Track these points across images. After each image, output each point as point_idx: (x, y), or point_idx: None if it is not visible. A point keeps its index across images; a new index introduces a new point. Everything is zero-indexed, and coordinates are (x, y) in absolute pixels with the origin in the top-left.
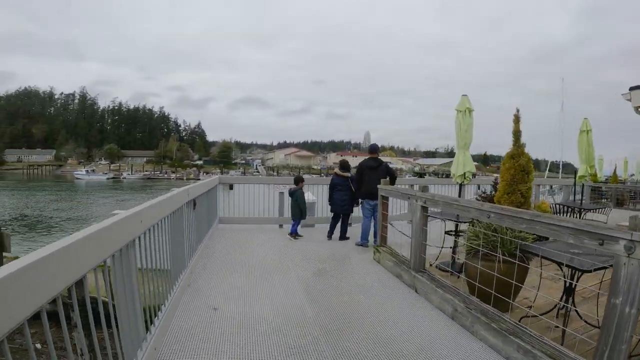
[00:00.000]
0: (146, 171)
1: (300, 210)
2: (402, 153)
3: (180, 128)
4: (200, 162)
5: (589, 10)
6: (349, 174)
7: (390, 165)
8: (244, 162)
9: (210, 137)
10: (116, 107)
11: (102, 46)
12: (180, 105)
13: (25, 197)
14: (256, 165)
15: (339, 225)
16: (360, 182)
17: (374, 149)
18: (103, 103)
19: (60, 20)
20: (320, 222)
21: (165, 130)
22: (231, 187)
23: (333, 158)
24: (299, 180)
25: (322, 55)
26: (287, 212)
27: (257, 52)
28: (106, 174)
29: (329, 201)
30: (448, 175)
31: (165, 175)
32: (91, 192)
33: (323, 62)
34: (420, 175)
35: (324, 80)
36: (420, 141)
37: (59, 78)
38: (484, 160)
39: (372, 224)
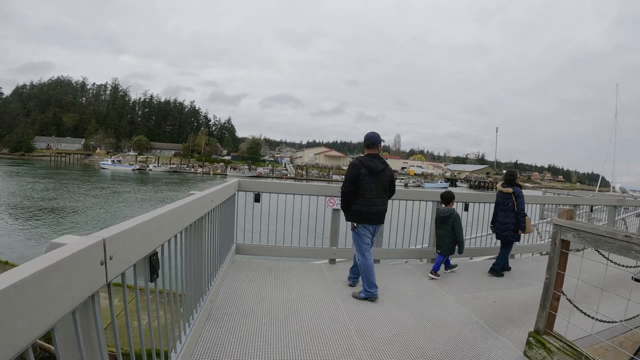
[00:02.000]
0: (173, 164)
1: (455, 241)
2: (432, 158)
3: (210, 123)
4: (228, 158)
5: (627, 18)
6: (510, 189)
7: (422, 170)
8: (272, 159)
9: (240, 134)
10: (147, 100)
11: (139, 40)
12: (213, 100)
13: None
14: (285, 163)
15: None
16: (353, 192)
17: (374, 141)
18: (137, 95)
19: (99, 13)
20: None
21: (196, 124)
22: (257, 199)
23: None
24: (450, 199)
25: (356, 56)
26: (345, 240)
27: (292, 51)
28: (132, 165)
29: (491, 224)
30: (480, 183)
31: (192, 169)
32: (111, 183)
33: (357, 63)
34: (452, 181)
35: (357, 81)
36: (450, 146)
37: (95, 70)
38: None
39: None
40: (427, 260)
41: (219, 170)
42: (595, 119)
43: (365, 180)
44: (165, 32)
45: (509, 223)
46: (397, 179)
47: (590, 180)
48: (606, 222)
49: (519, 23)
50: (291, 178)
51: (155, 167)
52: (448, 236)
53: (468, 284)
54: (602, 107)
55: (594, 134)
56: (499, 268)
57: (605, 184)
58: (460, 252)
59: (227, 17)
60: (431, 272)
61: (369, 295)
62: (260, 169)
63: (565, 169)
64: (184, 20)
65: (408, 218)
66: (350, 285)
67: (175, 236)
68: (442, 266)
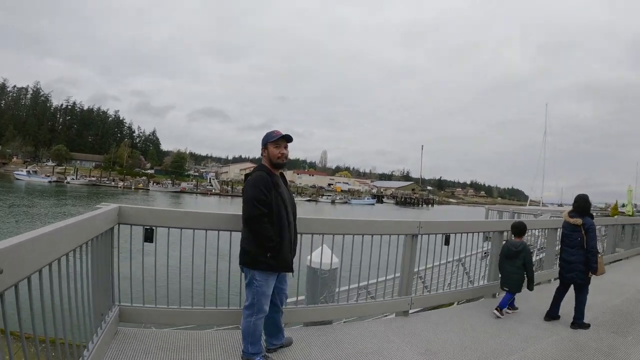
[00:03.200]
0: (92, 177)
1: (525, 278)
2: (358, 174)
3: (134, 134)
4: (151, 171)
5: (549, 45)
6: (580, 220)
7: (348, 187)
8: (197, 174)
9: (165, 147)
10: (70, 107)
11: (67, 43)
12: (139, 111)
13: None
14: (210, 178)
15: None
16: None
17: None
18: (59, 102)
19: (26, 10)
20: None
21: (119, 135)
22: (149, 237)
23: (289, 176)
24: (523, 230)
25: (287, 72)
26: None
27: (223, 64)
28: (49, 176)
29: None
30: (407, 199)
31: (113, 183)
32: (19, 196)
33: (288, 79)
34: (378, 197)
35: (287, 97)
36: (376, 163)
37: (19, 72)
38: (439, 185)
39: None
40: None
41: (140, 185)
42: (517, 138)
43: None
44: (95, 36)
45: (577, 262)
46: (323, 195)
47: (511, 194)
48: None
49: (447, 47)
50: (216, 194)
51: (73, 179)
52: (518, 272)
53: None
54: (523, 127)
55: (514, 152)
56: (581, 317)
57: (524, 199)
58: (531, 288)
59: (160, 25)
60: (497, 310)
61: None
62: (184, 184)
63: (487, 185)
64: (115, 25)
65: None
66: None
67: None
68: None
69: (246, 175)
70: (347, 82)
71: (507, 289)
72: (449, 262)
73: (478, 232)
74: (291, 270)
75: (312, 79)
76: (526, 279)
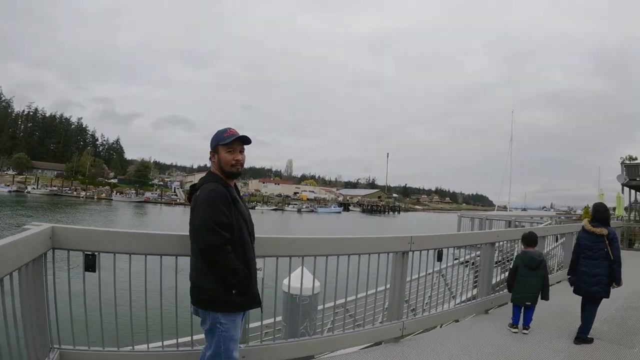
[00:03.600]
0: (54, 186)
1: (543, 289)
2: (324, 182)
3: (97, 142)
4: (114, 181)
5: (513, 55)
6: (605, 230)
7: (314, 195)
8: (161, 183)
9: (129, 155)
10: (31, 113)
11: (29, 47)
12: (104, 118)
13: None
14: (175, 187)
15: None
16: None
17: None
18: (21, 108)
19: None
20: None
21: (82, 143)
22: (90, 265)
23: (255, 184)
24: (535, 240)
25: (254, 81)
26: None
27: (189, 72)
28: (8, 186)
29: (568, 274)
30: (373, 207)
31: (75, 193)
32: None
33: (254, 88)
34: (345, 206)
35: (252, 105)
36: (342, 171)
37: None
38: (404, 192)
39: None
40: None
41: (103, 195)
42: (481, 145)
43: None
44: (60, 40)
45: (601, 274)
46: (289, 204)
47: (476, 200)
48: None
49: (414, 57)
50: (181, 204)
51: (34, 189)
52: (540, 283)
53: None
54: (488, 135)
55: (479, 159)
56: (588, 332)
57: (489, 204)
58: (547, 298)
59: (127, 31)
60: (513, 326)
61: None
62: (148, 194)
63: (451, 191)
64: (81, 30)
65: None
66: None
67: None
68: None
69: (192, 188)
70: (313, 91)
71: (529, 303)
72: (428, 274)
73: (472, 245)
74: (260, 304)
75: (279, 87)
76: (543, 289)
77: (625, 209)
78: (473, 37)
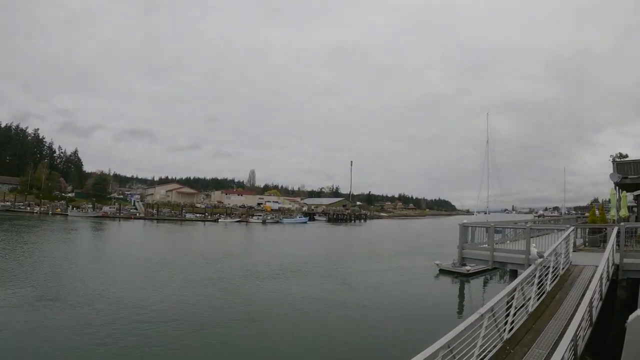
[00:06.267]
0: (7, 201)
1: None
2: (287, 192)
3: (54, 155)
4: (72, 194)
5: (470, 66)
6: None
7: (278, 205)
8: (121, 196)
9: (88, 168)
10: None
11: None
12: (63, 130)
13: None
14: (134, 201)
15: None
16: None
17: None
18: None
19: None
20: None
21: (39, 155)
22: None
23: (217, 196)
24: None
25: (215, 94)
26: None
27: (150, 84)
28: None
29: None
30: (339, 216)
31: (28, 208)
32: None
33: (215, 101)
34: (310, 215)
35: (215, 117)
36: (305, 181)
37: None
38: (368, 199)
39: None
40: None
41: (59, 210)
42: (440, 152)
43: None
44: (16, 50)
45: None
46: (254, 215)
47: (439, 205)
48: None
49: (372, 68)
50: (141, 218)
51: None
52: None
53: None
54: (446, 142)
55: (438, 165)
56: None
57: (451, 209)
58: None
59: (86, 42)
60: None
61: None
62: (106, 208)
63: (414, 197)
64: (38, 40)
65: None
66: None
67: None
68: None
69: None
70: (274, 103)
71: None
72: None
73: None
74: None
75: (240, 99)
76: None
77: (629, 208)
78: (429, 48)
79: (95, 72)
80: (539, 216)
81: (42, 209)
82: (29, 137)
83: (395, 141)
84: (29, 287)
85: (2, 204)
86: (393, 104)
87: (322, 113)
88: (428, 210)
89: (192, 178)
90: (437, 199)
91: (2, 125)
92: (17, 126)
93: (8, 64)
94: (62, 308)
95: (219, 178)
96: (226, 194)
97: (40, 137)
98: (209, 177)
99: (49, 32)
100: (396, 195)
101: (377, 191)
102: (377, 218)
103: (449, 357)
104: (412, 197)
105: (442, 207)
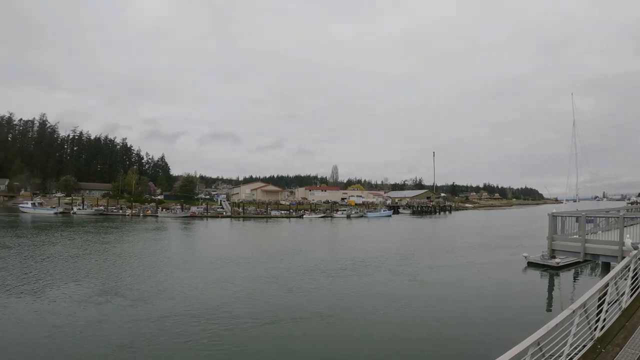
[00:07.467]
0: (100, 206)
1: None
2: (370, 186)
3: (142, 161)
4: (161, 197)
5: (546, 44)
6: None
7: (362, 200)
8: (208, 197)
9: (175, 172)
10: (76, 137)
11: (73, 76)
12: (149, 138)
13: None
14: (221, 200)
15: None
16: None
17: None
18: (66, 132)
19: (31, 47)
20: None
21: (128, 162)
22: None
23: (301, 193)
24: None
25: (293, 90)
26: None
27: (229, 88)
28: (54, 208)
29: None
30: (423, 208)
31: (120, 211)
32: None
33: (293, 97)
34: (394, 208)
35: (295, 115)
36: (387, 174)
37: (27, 106)
38: (452, 190)
39: None
40: None
41: (149, 212)
42: (522, 137)
43: None
44: (102, 68)
45: None
46: (338, 210)
47: (525, 194)
48: None
49: (445, 54)
50: (227, 216)
51: (80, 209)
52: None
53: None
54: (527, 126)
55: (521, 151)
56: None
57: (539, 197)
58: None
59: (164, 54)
60: None
61: None
62: (193, 209)
63: (499, 187)
64: (119, 57)
65: None
66: None
67: None
68: None
69: None
70: (349, 97)
71: None
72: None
73: None
74: None
75: (316, 96)
76: None
77: None
78: (500, 29)
79: (174, 81)
80: (632, 203)
81: (133, 211)
82: (118, 146)
83: (476, 128)
84: (125, 280)
85: (96, 208)
86: (471, 89)
87: (400, 104)
88: (514, 199)
89: (275, 176)
90: (523, 187)
91: (92, 137)
92: (106, 137)
93: (94, 80)
94: (165, 299)
95: (302, 175)
96: (310, 190)
97: (129, 146)
98: (292, 174)
99: (126, 48)
100: (480, 185)
101: (460, 181)
102: (462, 209)
103: (538, 355)
104: (497, 187)
105: (529, 196)
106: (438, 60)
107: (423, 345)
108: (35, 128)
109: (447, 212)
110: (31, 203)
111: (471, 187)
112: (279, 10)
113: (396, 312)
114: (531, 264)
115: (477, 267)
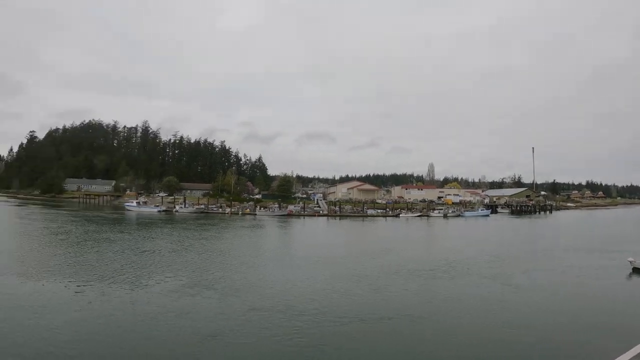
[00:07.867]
0: (201, 204)
1: None
2: (467, 185)
3: (241, 162)
4: (259, 196)
5: None
6: None
7: (459, 198)
8: (304, 196)
9: (272, 172)
10: (177, 141)
11: (172, 84)
12: (247, 140)
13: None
14: (317, 199)
15: None
16: None
17: None
18: (167, 137)
19: (133, 60)
20: None
21: (226, 164)
22: None
23: (397, 191)
24: None
25: (385, 89)
26: None
27: (322, 88)
28: (158, 206)
29: None
30: (522, 207)
31: (220, 210)
32: (120, 227)
33: (387, 96)
34: (492, 208)
35: (389, 113)
36: (484, 171)
37: (129, 114)
38: (553, 188)
39: None
40: None
41: (247, 210)
42: (626, 129)
43: None
44: (198, 76)
45: None
46: (434, 209)
47: (631, 192)
48: None
49: (538, 43)
50: (324, 215)
51: (182, 208)
52: None
53: None
54: (631, 118)
55: (626, 145)
56: None
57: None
58: None
59: (256, 59)
60: None
61: None
62: (291, 207)
63: (603, 184)
64: (216, 64)
65: None
66: None
67: None
68: None
69: None
70: (442, 93)
71: None
72: None
73: None
74: None
75: (410, 94)
76: None
77: None
78: (591, 13)
79: (269, 84)
80: None
81: (232, 210)
82: (217, 149)
83: (575, 120)
84: (217, 274)
85: (197, 206)
86: (566, 79)
87: (493, 98)
88: (619, 198)
89: (371, 175)
90: (629, 185)
91: (192, 141)
92: (205, 140)
93: (192, 88)
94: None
95: (398, 173)
96: (406, 189)
97: (227, 148)
98: (387, 173)
99: (220, 56)
100: (583, 183)
101: (561, 179)
102: (564, 209)
103: None
104: (600, 184)
105: (635, 195)
106: (529, 50)
107: (512, 354)
108: (139, 134)
109: (547, 212)
110: (136, 202)
111: (572, 184)
112: (371, 11)
113: (487, 318)
114: (637, 270)
115: (576, 271)
